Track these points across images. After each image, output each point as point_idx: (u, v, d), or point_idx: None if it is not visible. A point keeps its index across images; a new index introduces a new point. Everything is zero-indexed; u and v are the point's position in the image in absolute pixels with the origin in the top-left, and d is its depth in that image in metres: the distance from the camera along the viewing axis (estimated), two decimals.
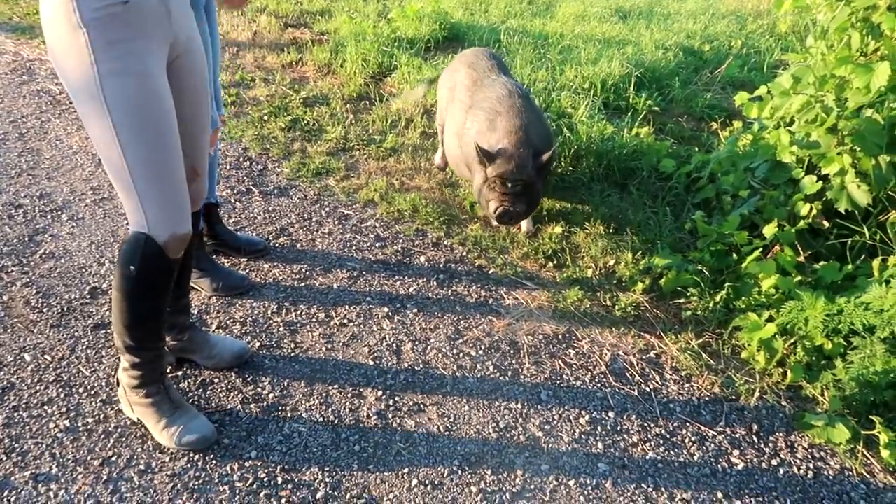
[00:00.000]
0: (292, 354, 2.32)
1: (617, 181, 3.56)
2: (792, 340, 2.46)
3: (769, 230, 2.71)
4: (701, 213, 2.85)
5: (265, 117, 3.99)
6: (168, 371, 2.15)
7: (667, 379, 2.35)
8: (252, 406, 2.10)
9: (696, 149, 3.88)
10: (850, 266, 2.58)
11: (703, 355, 2.45)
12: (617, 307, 2.65)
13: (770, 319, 2.48)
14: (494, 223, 2.94)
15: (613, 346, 2.47)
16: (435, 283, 2.74)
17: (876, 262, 2.46)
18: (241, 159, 3.58)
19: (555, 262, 2.92)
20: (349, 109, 4.20)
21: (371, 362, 2.31)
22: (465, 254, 2.95)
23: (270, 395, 2.15)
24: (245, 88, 4.42)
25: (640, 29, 6.14)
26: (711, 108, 4.64)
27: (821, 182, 2.76)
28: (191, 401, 2.11)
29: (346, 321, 2.50)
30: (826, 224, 2.78)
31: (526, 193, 2.81)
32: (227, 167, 3.48)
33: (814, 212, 2.75)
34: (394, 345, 2.40)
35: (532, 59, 4.98)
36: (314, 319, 2.50)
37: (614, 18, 6.48)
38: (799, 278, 2.60)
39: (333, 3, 6.31)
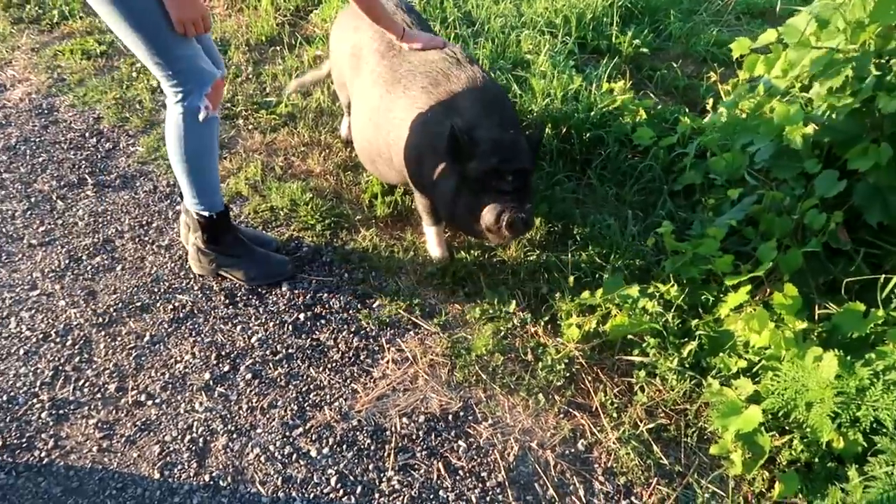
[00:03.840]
0: (42, 464, 1.60)
1: (576, 158, 2.70)
2: (785, 428, 1.68)
3: (765, 258, 1.88)
4: (669, 225, 2.02)
5: (136, 73, 3.14)
6: None
7: (594, 491, 1.60)
8: None
9: (687, 110, 2.98)
10: (880, 312, 1.76)
11: (655, 448, 1.69)
12: (541, 364, 1.87)
13: (755, 399, 1.69)
14: (493, 241, 2.00)
15: (525, 434, 1.72)
16: (291, 327, 1.98)
17: None
18: (87, 134, 2.77)
19: (467, 287, 2.13)
20: (251, 60, 3.33)
21: (157, 475, 1.58)
22: (345, 275, 2.16)
23: None
24: None
25: None
26: (718, 47, 3.67)
27: (845, 181, 1.90)
28: None
29: (144, 397, 1.77)
30: (849, 242, 1.94)
31: (528, 190, 1.94)
32: (65, 147, 2.68)
33: (832, 225, 1.90)
34: (201, 439, 1.67)
35: None
36: (99, 395, 1.77)
37: None
38: (802, 326, 1.79)
39: None
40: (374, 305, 2.07)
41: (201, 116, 1.83)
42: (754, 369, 1.78)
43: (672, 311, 1.92)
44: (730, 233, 2.11)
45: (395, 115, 2.08)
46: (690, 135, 2.69)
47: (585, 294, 1.99)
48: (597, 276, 2.11)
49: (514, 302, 2.05)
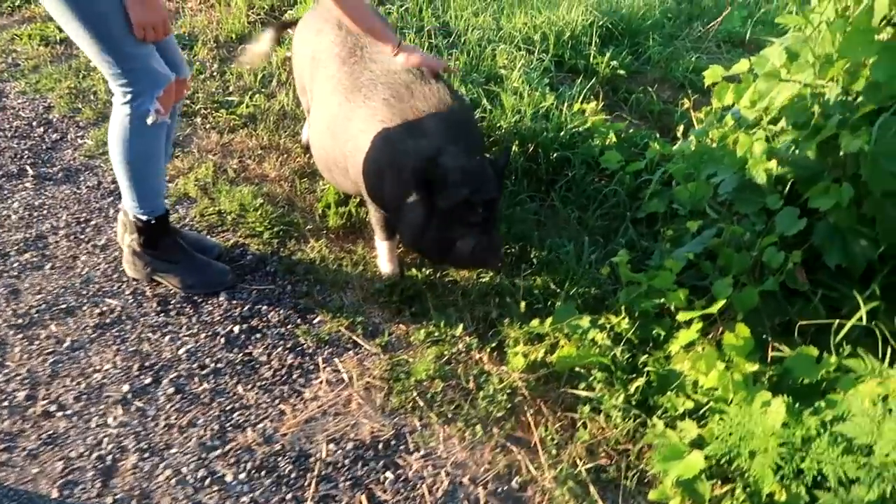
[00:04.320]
0: None
1: (541, 178, 2.64)
2: (728, 476, 1.61)
3: (720, 294, 1.81)
4: (625, 255, 1.95)
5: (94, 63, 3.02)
6: None
7: None
8: None
9: (658, 135, 2.93)
10: (832, 358, 1.70)
11: (592, 489, 1.60)
12: (483, 393, 1.79)
13: (699, 443, 1.62)
14: (458, 269, 2.08)
15: (458, 468, 1.63)
16: (223, 340, 1.88)
17: (866, 371, 1.57)
18: (34, 123, 2.66)
19: (414, 307, 2.04)
20: (217, 57, 3.23)
21: (55, 493, 1.47)
22: (288, 287, 2.07)
23: None
24: None
25: None
26: (696, 74, 3.64)
27: (806, 219, 1.84)
28: None
29: (54, 408, 1.65)
30: (806, 283, 1.88)
31: (496, 217, 1.91)
32: (9, 135, 2.57)
33: (791, 265, 1.84)
34: (109, 457, 1.56)
35: None
36: (6, 402, 1.65)
37: None
38: (752, 369, 1.72)
39: None
40: (315, 321, 1.97)
41: (150, 120, 1.74)
42: (701, 411, 1.71)
43: (622, 344, 1.84)
44: (688, 266, 2.04)
45: (355, 126, 1.99)
46: (659, 161, 2.64)
47: (534, 322, 1.91)
48: (549, 303, 2.04)
49: (461, 325, 1.97)
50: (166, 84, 1.75)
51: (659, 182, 2.48)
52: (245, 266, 2.12)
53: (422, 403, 1.75)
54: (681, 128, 2.84)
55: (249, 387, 1.76)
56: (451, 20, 3.68)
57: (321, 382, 1.79)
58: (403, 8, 3.71)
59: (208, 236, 2.20)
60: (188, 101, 2.85)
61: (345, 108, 2.03)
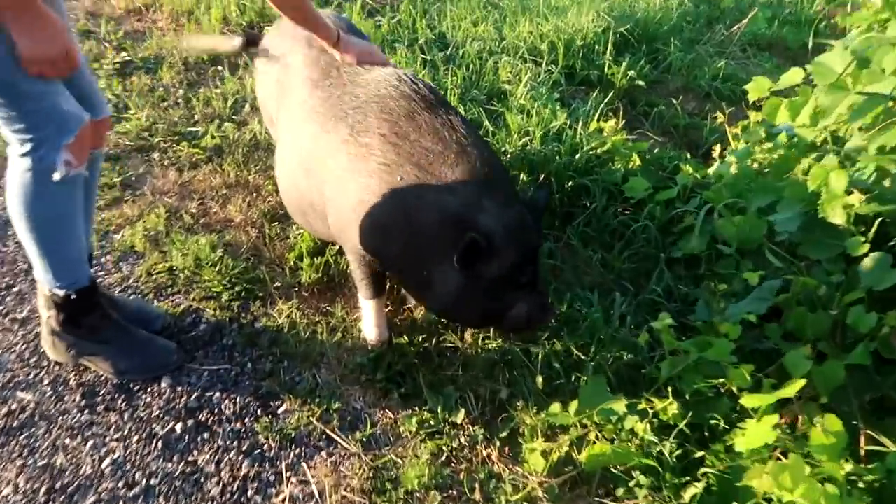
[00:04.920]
0: None
1: (555, 211, 2.24)
2: None
3: (797, 371, 1.40)
4: (666, 318, 1.53)
5: None
6: None
7: None
8: None
9: (689, 155, 2.52)
10: None
11: None
12: None
13: None
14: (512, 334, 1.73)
15: None
16: (160, 444, 1.48)
17: None
18: None
19: (404, 387, 1.64)
20: (184, 81, 2.86)
21: None
22: (248, 366, 1.67)
23: None
24: None
25: None
26: (724, 82, 3.25)
27: None
28: None
29: None
30: None
31: (539, 266, 1.57)
32: None
33: (885, 329, 1.43)
34: None
35: (476, 7, 3.57)
36: None
37: None
38: (846, 470, 1.30)
39: None
40: (280, 411, 1.57)
41: (58, 175, 1.33)
42: None
43: (671, 437, 1.43)
44: (744, 323, 1.63)
45: (339, 164, 1.59)
46: (693, 186, 2.24)
47: (555, 407, 1.51)
48: (572, 377, 1.63)
49: (462, 410, 1.57)
50: (79, 128, 1.35)
51: (696, 213, 2.07)
52: (197, 338, 1.73)
53: None
54: (716, 147, 2.42)
55: None
56: (447, 31, 3.30)
57: (284, 500, 1.39)
58: (395, 20, 3.34)
59: (154, 302, 1.81)
60: (146, 133, 2.47)
61: (322, 141, 1.64)
